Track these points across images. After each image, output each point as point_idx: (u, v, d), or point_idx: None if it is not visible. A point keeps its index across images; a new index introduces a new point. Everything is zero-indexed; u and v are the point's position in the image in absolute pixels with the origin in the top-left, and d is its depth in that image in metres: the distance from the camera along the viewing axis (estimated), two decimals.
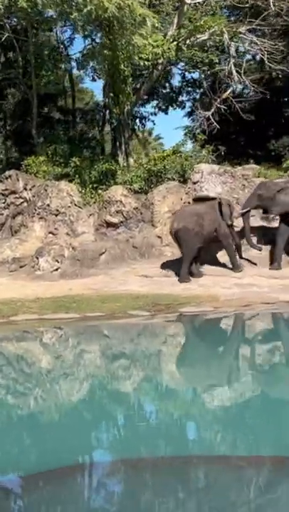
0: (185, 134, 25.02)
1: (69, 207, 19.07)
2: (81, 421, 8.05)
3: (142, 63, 21.59)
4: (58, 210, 18.95)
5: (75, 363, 10.87)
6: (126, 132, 23.44)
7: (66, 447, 6.95)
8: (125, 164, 22.76)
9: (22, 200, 19.82)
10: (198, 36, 22.60)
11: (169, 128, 67.17)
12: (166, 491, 5.73)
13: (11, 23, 22.99)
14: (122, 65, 21.15)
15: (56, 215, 18.93)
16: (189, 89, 30.82)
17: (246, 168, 21.37)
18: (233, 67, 22.76)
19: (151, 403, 8.86)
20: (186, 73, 29.38)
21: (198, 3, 24.43)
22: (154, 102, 30.14)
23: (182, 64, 27.57)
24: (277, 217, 17.86)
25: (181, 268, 16.19)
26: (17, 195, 19.82)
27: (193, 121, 29.58)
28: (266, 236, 18.08)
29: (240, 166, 22.49)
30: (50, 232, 18.65)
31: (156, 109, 29.67)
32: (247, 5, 24.09)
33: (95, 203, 19.79)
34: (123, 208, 19.05)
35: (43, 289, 15.52)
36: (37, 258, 17.36)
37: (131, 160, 23.15)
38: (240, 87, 27.39)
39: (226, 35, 22.14)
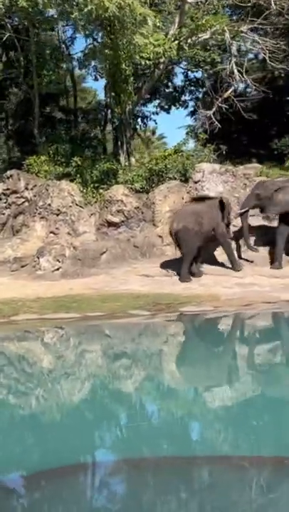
0: (187, 133, 24.98)
1: (70, 206, 19.06)
2: (83, 420, 8.04)
3: (143, 62, 21.55)
4: (59, 210, 18.95)
5: (73, 362, 10.88)
6: (127, 132, 23.42)
7: (68, 446, 6.94)
8: (127, 164, 22.73)
9: (23, 200, 19.81)
10: (199, 35, 22.55)
11: (173, 127, 67.26)
12: (168, 490, 5.73)
13: (12, 23, 22.97)
14: (124, 65, 21.11)
15: (57, 215, 18.93)
16: (192, 88, 30.79)
17: (248, 167, 21.35)
18: (234, 67, 22.71)
19: (151, 403, 8.84)
20: (189, 72, 29.35)
21: (201, 1, 24.39)
22: (157, 102, 30.24)
23: (185, 63, 27.57)
24: (277, 216, 17.87)
25: (182, 268, 16.18)
26: (18, 195, 19.81)
27: (196, 120, 29.55)
28: (267, 235, 18.07)
29: (242, 165, 22.45)
30: (51, 232, 18.65)
31: (158, 109, 29.70)
32: (249, 4, 24.05)
33: (96, 202, 19.77)
34: (124, 208, 19.04)
35: (43, 288, 15.53)
36: (38, 258, 17.36)
37: (132, 159, 23.13)
38: (242, 86, 27.41)
39: (227, 34, 22.09)
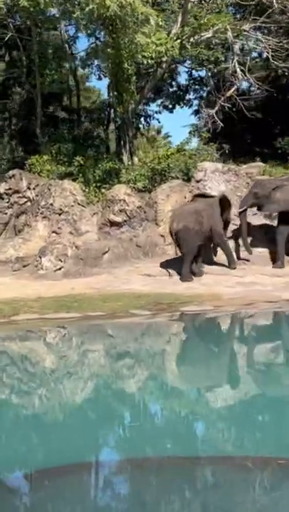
0: (189, 133, 24.95)
1: (72, 206, 19.05)
2: (87, 419, 8.03)
3: (145, 62, 21.50)
4: (61, 210, 18.93)
5: (71, 361, 10.86)
6: (130, 131, 23.36)
7: (71, 445, 6.95)
8: (130, 163, 22.68)
9: (25, 200, 19.83)
10: (202, 34, 22.48)
11: (178, 126, 67.13)
12: (170, 490, 5.71)
13: (14, 23, 22.96)
14: (126, 64, 21.04)
15: (59, 214, 18.92)
16: (196, 87, 30.74)
17: (251, 166, 21.27)
18: (237, 65, 22.65)
19: (153, 402, 8.84)
20: (194, 71, 29.30)
21: (204, 0, 24.33)
22: (160, 101, 30.20)
23: (189, 62, 27.50)
24: (276, 215, 17.87)
25: (183, 267, 16.15)
26: (20, 195, 19.82)
27: (200, 119, 29.49)
28: (269, 234, 18.04)
29: (246, 164, 22.38)
30: (53, 232, 18.64)
31: (162, 108, 29.64)
32: (252, 2, 23.98)
33: (98, 202, 19.76)
34: (126, 207, 19.01)
35: (45, 288, 15.52)
36: (40, 257, 17.37)
37: (135, 159, 23.07)
38: (246, 84, 27.34)
39: (229, 33, 22.02)
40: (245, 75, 22.86)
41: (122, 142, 23.73)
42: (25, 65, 24.24)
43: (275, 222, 18.08)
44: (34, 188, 19.97)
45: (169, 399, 8.84)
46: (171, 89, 30.05)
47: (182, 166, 20.59)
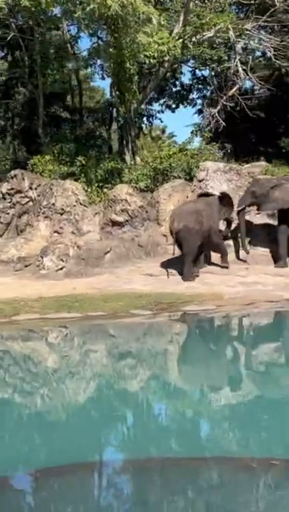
0: (192, 132, 24.91)
1: (74, 206, 19.03)
2: (89, 419, 8.03)
3: (147, 61, 21.47)
4: (63, 209, 18.91)
5: (71, 361, 10.86)
6: (132, 131, 23.36)
7: (74, 445, 6.97)
8: (132, 162, 22.68)
9: (27, 200, 19.81)
10: (204, 33, 22.45)
11: (181, 126, 67.08)
12: (172, 490, 5.72)
13: (16, 23, 22.95)
14: (128, 63, 21.03)
15: (61, 214, 18.90)
16: (200, 86, 30.72)
17: (254, 165, 21.24)
18: (239, 65, 22.60)
19: (154, 402, 8.85)
20: (197, 71, 29.26)
21: None
22: (163, 100, 30.17)
23: (192, 61, 27.47)
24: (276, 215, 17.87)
25: (184, 267, 16.12)
26: (22, 195, 19.81)
27: (204, 118, 29.47)
28: (271, 234, 17.98)
29: (250, 163, 22.33)
30: (55, 231, 18.61)
31: (164, 107, 29.62)
32: (255, 1, 23.94)
33: (100, 201, 19.75)
34: (128, 207, 18.98)
35: (46, 288, 15.49)
36: (42, 257, 17.36)
37: (138, 158, 23.06)
38: (249, 84, 27.29)
39: (231, 32, 21.98)
40: (247, 74, 22.80)
41: (124, 142, 23.74)
42: (27, 65, 24.24)
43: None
44: (36, 188, 19.96)
45: (169, 399, 8.85)
46: (174, 89, 30.05)
47: (184, 165, 20.59)
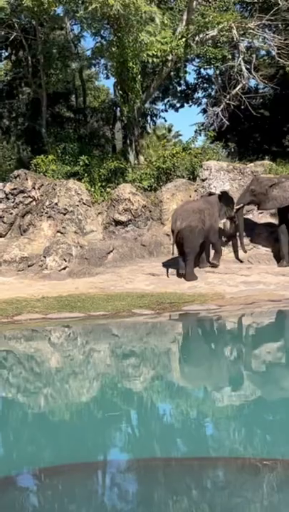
0: (195, 131, 24.89)
1: (77, 205, 19.05)
2: (93, 419, 8.04)
3: (150, 60, 21.46)
4: (66, 209, 18.93)
5: (71, 360, 10.86)
6: (136, 130, 23.34)
7: (78, 444, 6.99)
8: (136, 162, 22.68)
9: (30, 199, 19.82)
10: (207, 33, 22.41)
11: (186, 125, 67.04)
12: (176, 490, 5.73)
13: (19, 22, 22.97)
14: (131, 63, 21.03)
15: (64, 214, 18.92)
16: (205, 85, 30.69)
17: (257, 164, 21.19)
18: (242, 63, 22.55)
19: (155, 402, 8.81)
20: (202, 70, 29.21)
21: None
22: (167, 99, 30.16)
23: (197, 60, 27.43)
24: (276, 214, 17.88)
25: (186, 266, 16.11)
26: (26, 195, 19.82)
27: (208, 117, 29.44)
28: (274, 233, 17.96)
29: (256, 162, 22.31)
30: (58, 231, 18.64)
31: (168, 107, 29.61)
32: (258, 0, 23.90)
33: (103, 201, 19.76)
34: (131, 206, 18.99)
35: (49, 288, 15.51)
36: (44, 257, 17.37)
37: (141, 158, 23.06)
38: (254, 82, 27.21)
39: (234, 31, 21.92)
40: (251, 73, 22.73)
41: (128, 141, 23.74)
42: (30, 65, 24.26)
43: None
44: (39, 188, 20.00)
45: (171, 399, 8.85)
46: (179, 88, 30.04)
47: (188, 164, 20.57)
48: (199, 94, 30.73)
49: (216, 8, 24.06)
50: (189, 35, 22.08)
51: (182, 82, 29.57)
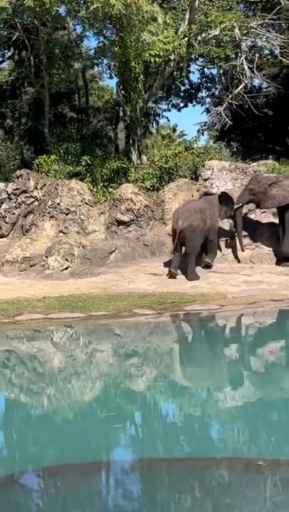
0: (198, 131, 24.86)
1: (79, 205, 19.03)
2: (97, 418, 8.04)
3: (152, 60, 21.44)
4: (68, 209, 18.92)
5: (72, 359, 10.85)
6: (138, 130, 23.33)
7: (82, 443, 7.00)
8: (138, 162, 22.67)
9: (33, 200, 19.85)
10: (209, 32, 22.38)
11: (190, 124, 66.97)
12: (178, 490, 5.74)
13: (22, 22, 22.98)
14: (133, 62, 21.03)
15: (66, 214, 18.90)
16: (209, 85, 30.68)
17: (260, 164, 21.15)
18: (244, 63, 22.51)
19: (154, 401, 8.81)
20: (206, 69, 29.22)
21: None
22: (172, 99, 30.15)
23: (201, 60, 27.42)
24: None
25: (188, 266, 16.09)
26: (28, 195, 19.85)
27: (212, 117, 29.42)
28: (277, 233, 17.90)
29: (260, 161, 22.28)
30: (60, 231, 18.62)
31: (170, 106, 29.61)
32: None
33: (106, 201, 19.75)
34: (133, 206, 18.97)
35: (50, 288, 15.50)
36: (47, 257, 17.35)
37: (144, 157, 23.04)
38: (257, 82, 27.18)
39: (236, 30, 21.88)
40: (253, 73, 22.69)
41: (130, 141, 23.73)
42: (33, 65, 24.27)
43: None
44: (41, 188, 20.01)
45: (173, 399, 8.87)
46: (183, 88, 30.03)
47: (190, 164, 20.54)
48: (203, 93, 30.78)
49: (219, 8, 24.04)
50: (192, 35, 22.07)
51: (186, 81, 29.61)
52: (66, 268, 17.14)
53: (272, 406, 8.12)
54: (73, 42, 24.09)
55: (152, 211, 19.26)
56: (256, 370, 10.16)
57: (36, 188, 19.94)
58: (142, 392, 9.10)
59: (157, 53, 20.98)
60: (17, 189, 19.82)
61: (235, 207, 17.50)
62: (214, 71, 28.80)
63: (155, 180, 20.42)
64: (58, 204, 19.03)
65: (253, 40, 23.75)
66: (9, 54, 26.70)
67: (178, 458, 6.60)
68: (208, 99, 30.81)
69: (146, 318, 12.96)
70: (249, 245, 17.91)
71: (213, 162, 19.76)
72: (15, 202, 19.81)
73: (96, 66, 25.71)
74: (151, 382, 9.63)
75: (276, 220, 18.29)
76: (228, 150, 30.41)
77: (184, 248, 16.44)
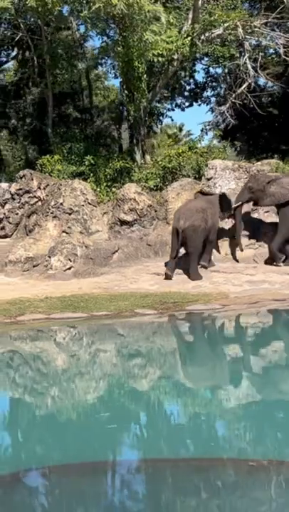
0: (201, 130, 24.83)
1: (82, 205, 19.03)
2: (101, 418, 8.02)
3: (155, 59, 21.41)
4: (71, 209, 18.92)
5: (73, 359, 10.85)
6: (142, 129, 23.30)
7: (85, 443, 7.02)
8: (142, 161, 22.65)
9: (36, 200, 19.88)
10: (213, 31, 22.33)
11: (195, 124, 66.80)
12: (181, 490, 5.76)
13: (25, 23, 23.01)
14: (136, 62, 21.01)
15: (70, 214, 18.91)
16: (214, 84, 30.62)
17: (264, 163, 21.07)
18: (248, 62, 22.45)
19: (155, 402, 8.82)
20: (211, 68, 29.16)
21: None
22: (176, 99, 30.12)
23: (206, 59, 27.37)
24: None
25: (190, 266, 16.07)
26: (31, 195, 19.89)
27: (216, 116, 29.38)
28: None
29: (262, 160, 22.20)
30: (63, 231, 18.62)
31: (174, 106, 29.58)
32: None
33: (109, 201, 19.74)
34: (137, 206, 18.95)
35: (53, 288, 15.50)
36: (49, 257, 17.35)
37: (148, 157, 23.02)
38: (262, 81, 27.12)
39: (240, 30, 21.82)
40: (257, 72, 22.62)
41: (134, 141, 23.71)
42: (36, 65, 24.29)
43: None
44: (44, 188, 20.03)
45: (174, 399, 8.90)
46: (188, 87, 30.00)
47: (194, 164, 20.50)
48: (208, 92, 30.70)
49: (223, 7, 23.98)
50: (195, 34, 22.01)
51: (191, 80, 29.56)
52: (69, 268, 17.13)
53: (274, 406, 8.10)
54: (77, 42, 24.07)
55: (155, 211, 19.24)
56: (257, 370, 10.15)
57: (39, 188, 19.96)
58: (146, 392, 9.13)
59: (160, 53, 20.95)
60: (20, 189, 19.86)
61: (235, 205, 17.44)
62: (219, 70, 28.76)
63: (158, 179, 20.40)
64: (61, 204, 19.03)
65: (257, 39, 23.65)
66: (13, 54, 26.73)
67: (182, 458, 6.60)
68: (213, 99, 30.77)
69: (148, 318, 12.95)
70: (252, 245, 17.86)
71: (216, 161, 19.70)
72: (18, 202, 19.84)
73: (100, 66, 25.69)
74: (153, 382, 9.65)
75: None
76: (233, 149, 30.33)
77: (183, 248, 16.42)
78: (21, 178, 20.07)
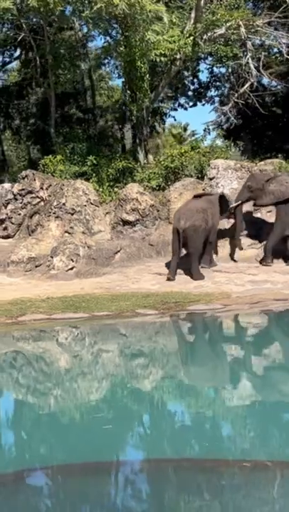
0: (204, 130, 24.79)
1: (85, 206, 19.02)
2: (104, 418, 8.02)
3: (158, 59, 21.38)
4: (73, 209, 18.91)
5: (74, 359, 10.84)
6: (145, 129, 23.29)
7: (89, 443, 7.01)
8: (145, 161, 22.63)
9: (38, 200, 19.89)
10: (215, 31, 22.29)
11: (199, 123, 66.78)
12: (184, 491, 5.76)
13: (28, 23, 23.01)
14: (139, 62, 21.01)
15: (72, 214, 18.91)
16: (218, 84, 30.59)
17: (267, 163, 21.03)
18: (250, 61, 22.40)
19: (155, 402, 8.82)
20: (215, 68, 29.13)
21: None
22: (179, 98, 30.10)
23: (210, 59, 27.34)
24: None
25: (192, 266, 16.04)
26: (34, 195, 19.90)
27: (220, 116, 29.36)
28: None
29: (266, 160, 22.16)
30: (65, 231, 18.62)
31: (178, 106, 29.55)
32: None
33: (111, 201, 19.73)
34: (139, 206, 18.93)
35: (54, 288, 15.50)
36: (52, 257, 17.35)
37: (150, 157, 23.01)
38: (266, 80, 27.07)
39: (242, 29, 21.77)
40: (259, 71, 22.57)
41: (137, 140, 23.71)
42: (39, 65, 24.30)
43: None
44: (47, 188, 20.04)
45: (174, 399, 8.92)
46: (192, 87, 29.98)
47: (196, 163, 20.47)
48: (212, 92, 30.68)
49: (226, 6, 23.93)
50: (197, 34, 21.96)
51: (195, 80, 29.54)
52: (71, 268, 17.12)
53: (276, 406, 8.10)
54: (79, 42, 24.08)
55: (158, 211, 19.22)
56: (259, 370, 10.15)
57: (42, 188, 19.97)
58: (148, 393, 9.15)
59: (163, 53, 20.94)
60: (23, 189, 19.87)
61: (234, 205, 17.38)
62: (223, 70, 28.72)
63: (161, 179, 20.39)
64: (64, 204, 19.03)
65: (260, 38, 23.60)
66: (16, 55, 26.76)
67: (185, 458, 6.61)
68: (217, 98, 30.74)
69: (149, 318, 12.92)
70: (254, 244, 17.82)
71: (218, 161, 19.67)
72: (21, 202, 19.86)
73: (104, 66, 25.66)
74: (155, 382, 9.67)
75: None
76: (237, 149, 30.29)
77: (183, 249, 16.39)
78: (24, 178, 20.08)
